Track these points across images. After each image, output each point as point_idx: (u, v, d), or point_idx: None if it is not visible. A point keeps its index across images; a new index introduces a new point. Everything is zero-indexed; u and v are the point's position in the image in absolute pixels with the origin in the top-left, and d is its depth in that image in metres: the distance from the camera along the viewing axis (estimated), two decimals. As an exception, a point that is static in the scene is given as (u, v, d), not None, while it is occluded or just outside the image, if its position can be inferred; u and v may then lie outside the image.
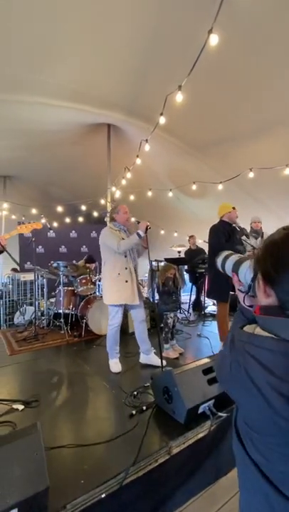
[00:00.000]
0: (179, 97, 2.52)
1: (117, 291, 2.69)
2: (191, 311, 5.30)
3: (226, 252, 1.14)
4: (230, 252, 1.13)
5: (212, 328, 4.18)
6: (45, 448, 1.31)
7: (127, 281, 2.68)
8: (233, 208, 3.27)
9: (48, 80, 3.21)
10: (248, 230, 4.30)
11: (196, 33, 2.19)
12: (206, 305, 5.24)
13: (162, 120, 2.89)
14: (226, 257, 1.10)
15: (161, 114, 2.89)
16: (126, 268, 2.70)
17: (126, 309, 2.91)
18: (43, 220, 6.33)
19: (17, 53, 2.93)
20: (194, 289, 5.36)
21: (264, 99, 3.47)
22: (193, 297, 5.45)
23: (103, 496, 1.33)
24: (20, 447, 1.22)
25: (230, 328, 1.00)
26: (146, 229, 2.59)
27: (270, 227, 4.59)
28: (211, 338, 3.67)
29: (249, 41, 2.82)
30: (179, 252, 6.16)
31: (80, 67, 3.13)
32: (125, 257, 2.71)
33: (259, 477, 0.63)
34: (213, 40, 2.02)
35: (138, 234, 2.59)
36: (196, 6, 2.40)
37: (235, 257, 1.07)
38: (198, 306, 5.32)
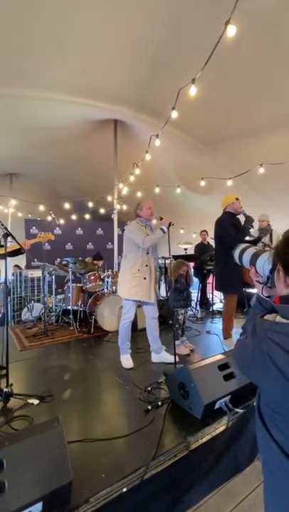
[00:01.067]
0: (193, 91, 2.48)
1: (134, 286, 2.68)
2: (198, 308, 5.28)
3: (242, 245, 1.13)
4: (247, 244, 1.12)
5: (220, 325, 4.15)
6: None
7: (145, 279, 2.67)
8: (237, 199, 3.19)
9: (56, 74, 3.19)
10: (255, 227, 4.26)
11: (213, 25, 2.15)
12: (213, 302, 5.22)
13: (174, 114, 2.86)
14: (243, 250, 1.09)
15: (173, 108, 2.85)
16: (146, 265, 2.69)
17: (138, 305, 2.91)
18: (50, 218, 6.33)
19: (26, 46, 2.91)
20: (200, 286, 5.35)
21: (275, 95, 3.42)
22: (200, 294, 5.43)
23: (124, 490, 1.32)
24: (44, 441, 1.21)
25: (247, 319, 1.00)
26: (170, 225, 2.61)
27: (279, 226, 4.56)
28: (220, 335, 3.65)
29: (263, 38, 2.78)
30: (186, 249, 6.13)
31: (91, 60, 3.10)
32: (147, 253, 2.70)
33: (283, 458, 0.67)
34: (231, 31, 1.98)
35: (162, 229, 2.61)
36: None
37: (252, 250, 1.06)
38: (205, 303, 5.31)
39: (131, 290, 2.69)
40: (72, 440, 1.61)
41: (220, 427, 1.79)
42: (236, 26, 2.02)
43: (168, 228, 2.63)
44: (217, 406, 1.86)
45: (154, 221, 2.86)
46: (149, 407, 1.95)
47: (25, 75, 3.27)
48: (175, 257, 5.01)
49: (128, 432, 1.70)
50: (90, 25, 2.72)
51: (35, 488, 1.11)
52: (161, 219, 2.68)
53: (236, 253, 1.10)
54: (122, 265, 2.83)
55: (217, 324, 4.28)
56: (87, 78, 3.35)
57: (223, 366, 2.02)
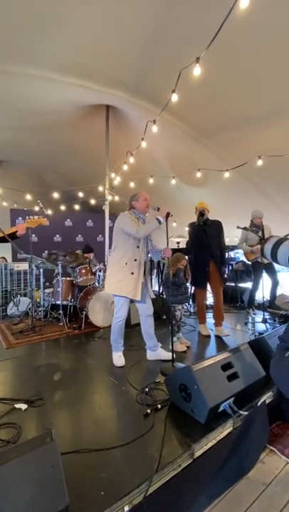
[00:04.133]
0: (197, 71, 2.29)
1: (120, 281, 2.51)
2: (191, 302, 5.20)
3: (275, 238, 0.98)
4: (280, 236, 0.98)
5: (211, 319, 4.07)
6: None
7: (132, 274, 2.50)
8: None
9: (47, 49, 2.90)
10: (248, 224, 4.17)
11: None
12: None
13: (175, 98, 2.66)
14: (279, 243, 0.93)
15: (174, 91, 2.65)
16: (135, 260, 2.52)
17: (131, 301, 2.75)
18: (37, 208, 6.03)
19: (14, 17, 2.62)
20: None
21: (276, 83, 3.27)
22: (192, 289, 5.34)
23: (126, 509, 1.19)
24: (35, 460, 1.06)
25: (286, 332, 0.86)
26: (168, 216, 2.43)
27: (272, 221, 4.48)
28: (214, 330, 3.57)
29: (267, 22, 2.62)
30: (178, 242, 6.00)
31: (84, 35, 2.83)
32: (137, 247, 2.53)
33: None
34: (244, 3, 1.79)
35: (158, 220, 2.43)
36: None
37: None
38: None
39: (116, 285, 2.52)
40: (66, 451, 1.45)
41: (225, 431, 1.68)
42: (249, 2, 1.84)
43: (166, 219, 2.45)
44: (221, 409, 1.75)
45: (147, 214, 2.69)
46: (148, 411, 1.82)
47: (12, 48, 2.97)
48: (173, 251, 4.88)
49: (127, 441, 1.56)
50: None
51: (25, 518, 0.95)
52: (158, 209, 2.50)
53: (268, 247, 0.93)
54: (110, 258, 2.67)
55: (210, 319, 4.20)
56: (80, 55, 3.08)
57: (226, 366, 1.91)
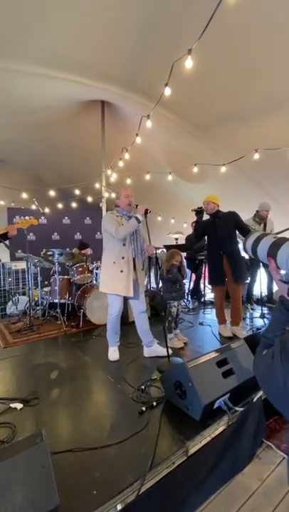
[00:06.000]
0: (189, 63, 2.25)
1: (110, 279, 2.55)
2: (189, 298, 5.19)
3: (256, 233, 0.95)
4: (263, 232, 0.95)
5: (213, 315, 4.07)
6: (50, 453, 1.14)
7: (122, 271, 2.52)
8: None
9: (39, 45, 2.85)
10: (248, 218, 4.13)
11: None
12: (204, 292, 5.15)
13: (168, 91, 2.62)
14: (259, 239, 0.91)
15: (166, 85, 2.61)
16: (123, 257, 2.53)
17: (126, 298, 2.76)
18: (34, 206, 6.00)
19: (2, 11, 2.56)
20: (191, 276, 5.24)
21: (275, 74, 3.21)
22: (191, 285, 5.33)
23: (119, 507, 1.19)
24: (24, 461, 1.05)
25: (269, 326, 0.84)
26: (146, 213, 2.43)
27: (274, 217, 4.43)
28: (213, 326, 3.57)
29: (261, 13, 2.56)
30: (176, 239, 5.98)
31: (75, 29, 2.77)
32: (124, 245, 2.54)
33: None
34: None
35: (136, 218, 2.44)
36: None
37: (270, 239, 0.88)
38: (197, 293, 5.22)
39: (109, 283, 2.56)
40: (60, 451, 1.46)
41: (219, 427, 1.68)
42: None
43: (145, 216, 2.45)
44: (216, 405, 1.75)
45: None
46: (144, 409, 1.82)
47: (2, 43, 2.92)
48: (168, 247, 4.86)
49: (121, 438, 1.56)
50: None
51: (14, 519, 0.95)
52: (136, 206, 2.50)
53: (249, 243, 0.91)
54: (102, 258, 2.71)
55: (210, 315, 4.20)
56: (70, 49, 3.02)
57: (221, 362, 1.91)
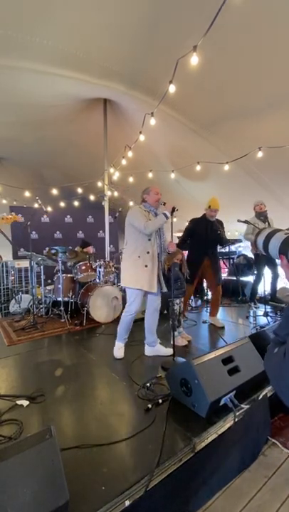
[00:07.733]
0: (194, 60, 2.23)
1: (134, 274, 2.53)
2: (192, 297, 5.18)
3: (267, 230, 0.94)
4: (275, 228, 0.94)
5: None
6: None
7: (146, 266, 2.52)
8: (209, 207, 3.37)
9: (41, 42, 2.84)
10: (250, 217, 4.12)
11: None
12: (207, 291, 5.13)
13: (172, 88, 2.61)
14: (270, 236, 0.90)
15: (171, 82, 2.60)
16: (148, 252, 2.53)
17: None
18: (36, 205, 6.00)
19: (5, 9, 2.56)
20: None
21: (279, 72, 3.19)
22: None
23: (127, 503, 1.19)
24: (34, 457, 1.05)
25: (281, 324, 0.83)
26: (173, 210, 2.47)
27: (272, 213, 4.43)
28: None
29: (268, 9, 2.54)
30: (179, 237, 5.97)
31: (79, 27, 2.76)
32: (149, 240, 2.54)
33: None
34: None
35: (165, 214, 2.46)
36: None
37: (281, 235, 0.87)
38: (200, 292, 5.20)
39: (131, 278, 2.54)
40: (67, 447, 1.46)
41: (225, 424, 1.68)
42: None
43: (171, 214, 2.49)
44: (222, 403, 1.75)
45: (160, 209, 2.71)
46: (150, 406, 1.82)
47: (5, 42, 2.91)
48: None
49: (128, 435, 1.57)
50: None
51: (25, 513, 0.95)
52: (164, 204, 2.55)
53: (260, 240, 0.91)
54: (123, 252, 2.70)
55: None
56: (73, 47, 3.01)
57: (227, 360, 1.90)
